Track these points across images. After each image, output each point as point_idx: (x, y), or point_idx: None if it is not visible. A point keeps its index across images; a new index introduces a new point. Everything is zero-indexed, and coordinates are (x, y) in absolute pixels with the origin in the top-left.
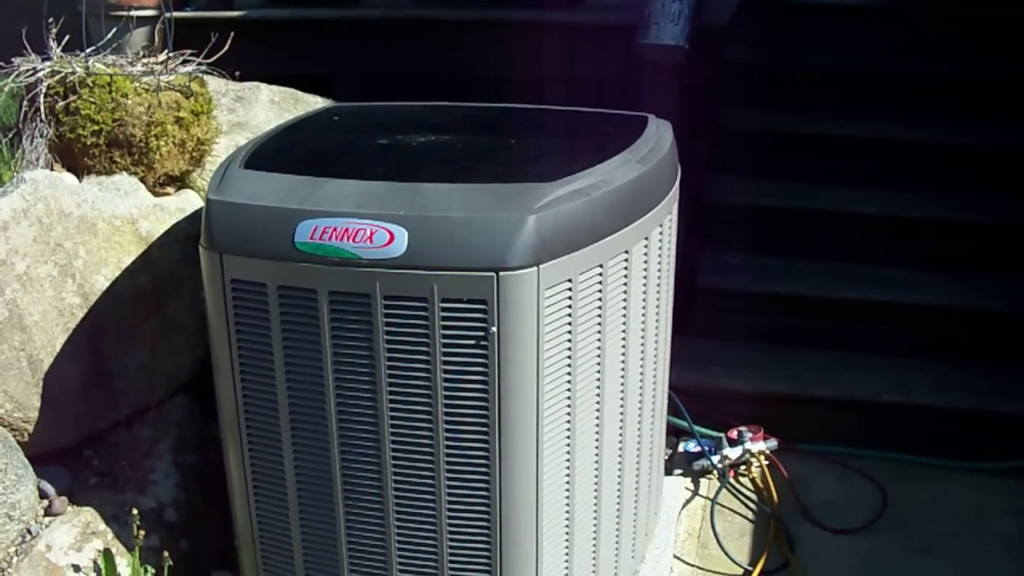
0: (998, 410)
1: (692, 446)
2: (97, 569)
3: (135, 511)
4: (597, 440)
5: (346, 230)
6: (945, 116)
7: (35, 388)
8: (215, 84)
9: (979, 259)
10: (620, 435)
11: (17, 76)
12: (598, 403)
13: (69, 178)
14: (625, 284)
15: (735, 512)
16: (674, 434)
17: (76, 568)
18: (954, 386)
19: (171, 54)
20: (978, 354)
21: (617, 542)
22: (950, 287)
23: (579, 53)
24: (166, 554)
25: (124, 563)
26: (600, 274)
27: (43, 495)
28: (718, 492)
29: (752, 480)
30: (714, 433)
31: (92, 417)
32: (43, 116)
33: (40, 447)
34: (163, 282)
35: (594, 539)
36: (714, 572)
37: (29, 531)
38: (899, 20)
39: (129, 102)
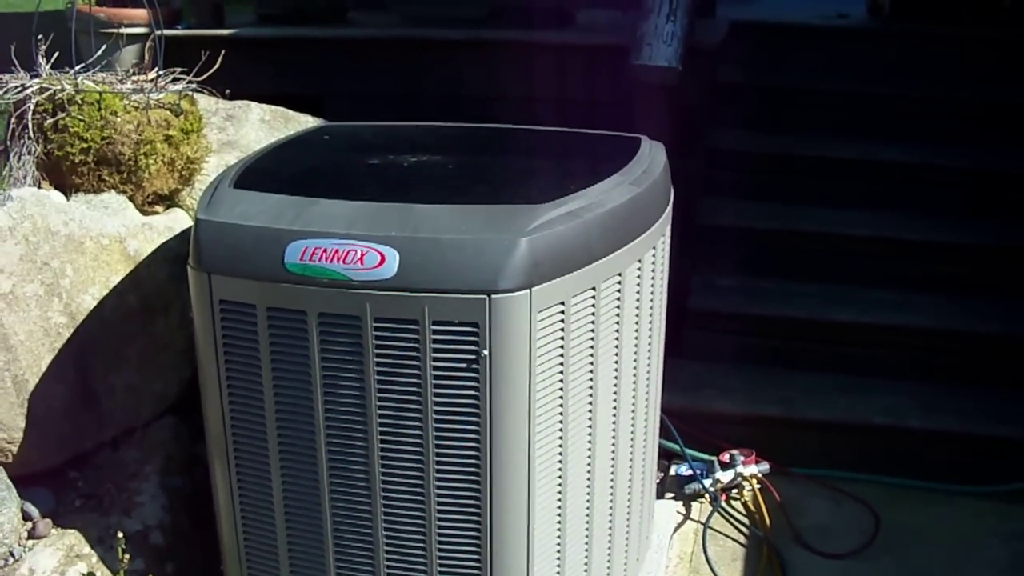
0: (990, 433)
1: (684, 469)
2: None
3: (120, 534)
4: (589, 464)
5: (336, 251)
6: (938, 138)
7: (20, 409)
8: (205, 102)
9: (972, 282)
10: (612, 458)
11: (5, 93)
12: (590, 426)
13: (57, 196)
14: (618, 307)
15: (727, 536)
16: (665, 457)
17: None
18: (946, 409)
19: (161, 72)
20: (970, 377)
21: (608, 566)
22: (943, 310)
23: (570, 73)
24: None
25: None
26: (593, 297)
27: (27, 517)
28: (710, 516)
29: (744, 504)
30: (706, 456)
31: (78, 438)
32: (31, 133)
33: (24, 468)
34: (151, 302)
35: (585, 563)
36: None
37: (12, 554)
38: (894, 42)
39: (118, 120)
